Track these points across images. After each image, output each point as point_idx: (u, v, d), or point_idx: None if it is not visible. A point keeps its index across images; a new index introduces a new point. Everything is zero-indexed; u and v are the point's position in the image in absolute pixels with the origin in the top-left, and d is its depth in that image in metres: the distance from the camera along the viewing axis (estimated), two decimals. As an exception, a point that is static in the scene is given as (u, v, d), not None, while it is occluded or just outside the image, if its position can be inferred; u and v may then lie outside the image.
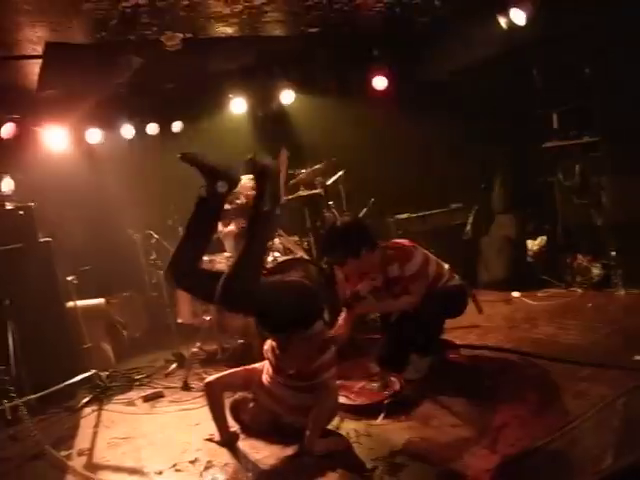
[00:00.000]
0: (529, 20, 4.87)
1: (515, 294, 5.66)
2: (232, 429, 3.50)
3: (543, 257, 6.03)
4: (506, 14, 4.96)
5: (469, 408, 3.41)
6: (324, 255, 4.77)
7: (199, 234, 3.21)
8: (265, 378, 3.44)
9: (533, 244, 6.13)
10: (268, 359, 3.43)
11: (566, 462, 1.90)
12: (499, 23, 5.06)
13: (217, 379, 3.51)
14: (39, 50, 4.77)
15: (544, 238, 6.09)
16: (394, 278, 3.92)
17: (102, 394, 4.70)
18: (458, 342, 4.44)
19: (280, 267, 4.70)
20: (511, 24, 4.98)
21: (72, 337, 4.94)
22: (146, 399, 4.52)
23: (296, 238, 5.43)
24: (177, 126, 6.64)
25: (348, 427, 3.41)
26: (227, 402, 3.57)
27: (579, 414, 2.65)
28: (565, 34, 5.16)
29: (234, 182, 3.24)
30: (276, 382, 3.37)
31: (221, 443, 3.43)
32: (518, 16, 4.89)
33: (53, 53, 4.80)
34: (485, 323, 4.90)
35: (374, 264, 3.98)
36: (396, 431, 3.25)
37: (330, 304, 4.51)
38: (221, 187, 3.14)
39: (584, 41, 5.16)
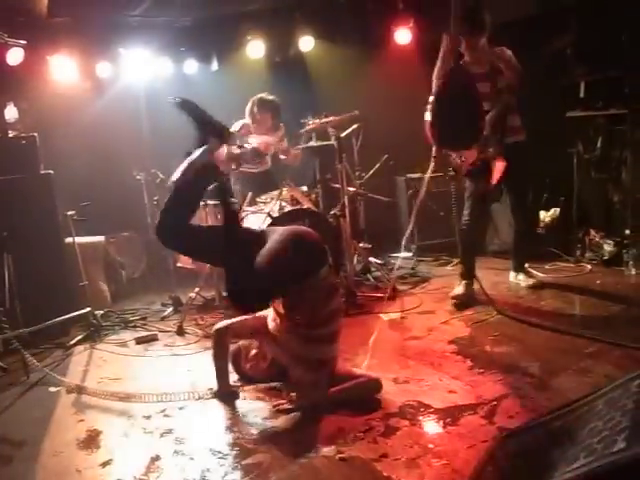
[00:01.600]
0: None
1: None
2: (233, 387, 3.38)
3: (555, 229, 5.89)
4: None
5: (468, 375, 3.33)
6: None
7: (192, 199, 3.08)
8: (272, 325, 3.21)
9: (545, 215, 5.97)
10: (274, 306, 3.19)
11: (572, 441, 1.80)
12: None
13: (228, 326, 3.30)
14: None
15: (557, 210, 5.94)
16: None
17: (95, 333, 4.65)
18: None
19: (286, 216, 4.60)
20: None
21: (69, 273, 4.87)
22: (139, 341, 4.47)
23: (304, 189, 5.30)
24: (190, 66, 6.43)
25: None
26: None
27: (583, 391, 2.55)
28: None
29: (224, 139, 3.09)
30: (283, 329, 3.14)
31: (219, 397, 3.31)
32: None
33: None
34: (490, 291, 4.78)
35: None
36: (392, 393, 3.17)
37: (334, 254, 4.49)
38: (213, 143, 2.98)
39: (625, 6, 4.90)
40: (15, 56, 5.18)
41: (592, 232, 5.56)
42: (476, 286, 4.61)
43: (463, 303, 4.52)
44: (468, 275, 4.64)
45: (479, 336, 3.91)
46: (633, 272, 4.97)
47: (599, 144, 5.50)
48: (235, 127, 5.36)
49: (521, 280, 4.86)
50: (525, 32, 5.47)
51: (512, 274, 4.98)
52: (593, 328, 3.79)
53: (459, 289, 4.65)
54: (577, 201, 5.68)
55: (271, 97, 5.38)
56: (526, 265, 4.98)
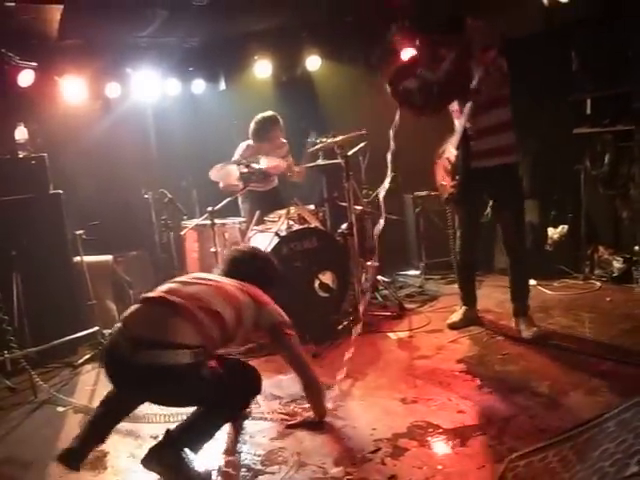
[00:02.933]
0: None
1: (531, 282, 5.49)
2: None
3: (563, 246, 5.85)
4: (548, -10, 4.74)
5: (477, 394, 3.31)
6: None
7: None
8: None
9: (554, 232, 5.94)
10: None
11: (583, 463, 1.78)
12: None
13: None
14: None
15: (565, 227, 5.91)
16: None
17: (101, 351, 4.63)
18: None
19: (294, 235, 4.61)
20: (552, 1, 4.75)
21: (77, 293, 4.87)
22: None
23: (312, 207, 5.31)
24: (198, 85, 6.47)
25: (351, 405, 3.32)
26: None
27: (594, 411, 2.53)
28: (609, 14, 4.91)
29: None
30: None
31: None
32: (560, -8, 4.66)
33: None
34: (497, 309, 4.78)
35: None
36: (401, 414, 3.14)
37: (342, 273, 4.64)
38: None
39: (629, 23, 4.91)
40: (26, 78, 5.23)
41: (601, 249, 5.53)
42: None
43: (456, 326, 4.46)
44: (467, 300, 4.54)
45: (488, 355, 3.89)
46: (643, 289, 4.94)
47: (607, 160, 5.48)
48: (239, 150, 5.40)
49: (522, 329, 4.15)
50: (531, 50, 5.48)
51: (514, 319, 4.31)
52: (603, 346, 3.77)
53: (456, 315, 4.55)
54: (585, 218, 5.65)
55: (271, 113, 5.42)
56: (528, 304, 4.29)
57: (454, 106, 4.10)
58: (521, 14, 5.19)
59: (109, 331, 4.87)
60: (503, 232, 4.31)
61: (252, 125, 5.42)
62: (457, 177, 3.98)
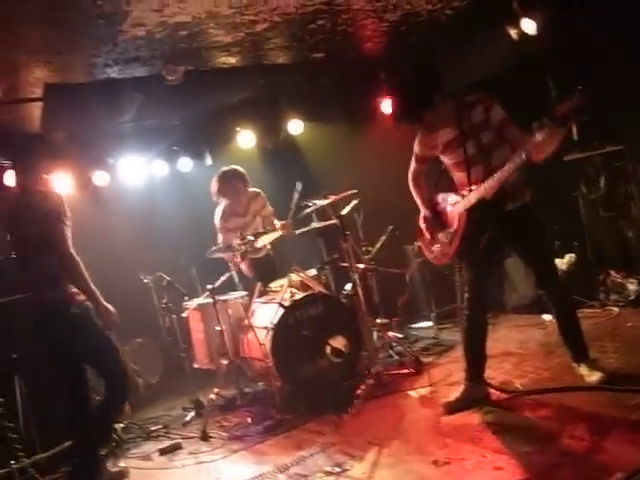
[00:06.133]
0: (540, 29, 4.66)
1: (546, 317, 5.32)
2: None
3: (573, 276, 5.72)
4: (516, 25, 4.78)
5: (512, 446, 3.10)
6: None
7: None
8: None
9: (562, 263, 5.81)
10: None
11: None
12: (509, 35, 4.87)
13: None
14: (38, 92, 4.65)
15: (573, 256, 5.79)
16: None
17: (117, 448, 4.44)
18: (492, 372, 4.13)
19: (298, 304, 4.51)
20: (522, 35, 4.79)
21: (83, 389, 4.70)
22: (163, 452, 4.27)
23: (313, 272, 5.20)
24: (184, 164, 6.47)
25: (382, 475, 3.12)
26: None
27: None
28: (576, 40, 4.94)
29: None
30: None
31: None
32: (529, 26, 4.70)
33: (53, 95, 4.68)
34: (518, 350, 4.62)
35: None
36: (435, 478, 2.95)
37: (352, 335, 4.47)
38: None
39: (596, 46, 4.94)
40: (11, 177, 5.21)
41: (612, 273, 5.40)
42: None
43: (452, 409, 3.71)
44: (471, 374, 3.82)
45: (516, 401, 3.69)
46: (664, 309, 4.79)
47: (602, 183, 5.44)
48: (217, 216, 5.37)
49: (585, 374, 3.62)
50: (507, 84, 5.50)
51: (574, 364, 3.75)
52: (634, 377, 3.57)
53: (455, 394, 3.82)
54: (591, 243, 5.56)
55: (228, 167, 5.40)
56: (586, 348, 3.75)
57: (453, 158, 3.71)
58: (494, 51, 5.23)
59: (121, 425, 4.76)
60: (537, 279, 3.81)
61: (212, 184, 5.39)
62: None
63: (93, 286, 3.64)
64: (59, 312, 3.57)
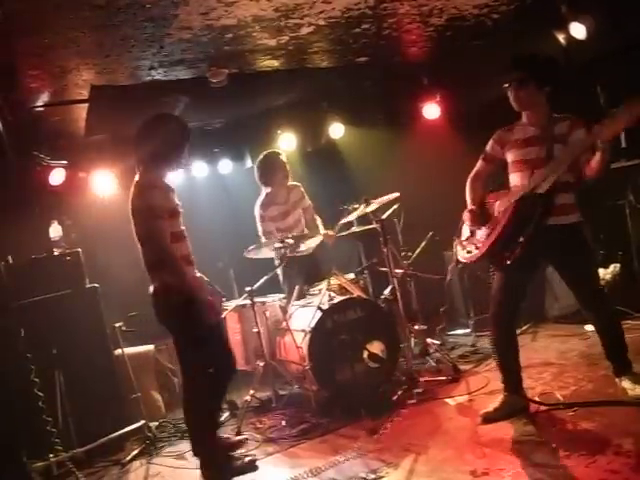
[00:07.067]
0: (590, 33, 4.57)
1: (589, 327, 5.15)
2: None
3: (617, 286, 5.57)
4: (565, 29, 4.69)
5: (553, 459, 3.02)
6: None
7: None
8: None
9: (605, 273, 5.67)
10: None
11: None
12: (557, 40, 4.79)
13: None
14: (85, 94, 4.74)
15: (617, 266, 5.64)
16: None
17: (152, 446, 4.46)
18: (531, 382, 4.04)
19: (336, 307, 4.48)
20: (570, 39, 4.70)
21: (120, 386, 4.76)
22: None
23: (352, 276, 5.17)
24: (224, 165, 6.52)
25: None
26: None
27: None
28: (630, 45, 4.82)
29: None
30: None
31: None
32: (578, 30, 4.61)
33: (99, 96, 4.76)
34: (559, 361, 4.51)
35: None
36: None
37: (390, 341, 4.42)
38: None
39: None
40: (57, 176, 5.34)
41: (658, 284, 5.24)
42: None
43: (491, 419, 3.64)
44: (508, 385, 3.73)
45: (558, 412, 3.59)
46: None
47: (651, 191, 5.29)
48: (258, 203, 5.37)
49: (627, 388, 3.51)
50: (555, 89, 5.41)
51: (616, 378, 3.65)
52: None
53: (493, 404, 3.73)
54: (637, 253, 5.40)
55: (270, 150, 5.43)
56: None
57: (519, 155, 3.61)
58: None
59: (155, 424, 4.80)
60: (581, 301, 3.71)
61: (255, 170, 5.38)
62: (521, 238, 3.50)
63: None
64: None
